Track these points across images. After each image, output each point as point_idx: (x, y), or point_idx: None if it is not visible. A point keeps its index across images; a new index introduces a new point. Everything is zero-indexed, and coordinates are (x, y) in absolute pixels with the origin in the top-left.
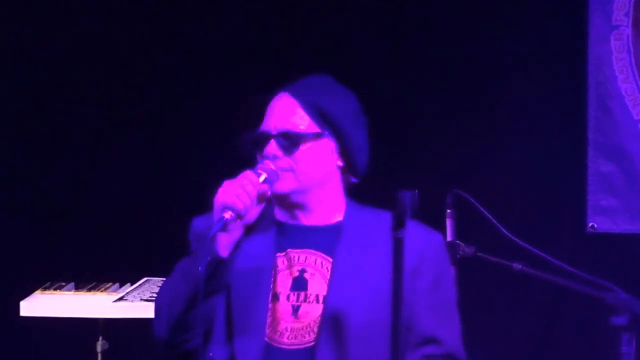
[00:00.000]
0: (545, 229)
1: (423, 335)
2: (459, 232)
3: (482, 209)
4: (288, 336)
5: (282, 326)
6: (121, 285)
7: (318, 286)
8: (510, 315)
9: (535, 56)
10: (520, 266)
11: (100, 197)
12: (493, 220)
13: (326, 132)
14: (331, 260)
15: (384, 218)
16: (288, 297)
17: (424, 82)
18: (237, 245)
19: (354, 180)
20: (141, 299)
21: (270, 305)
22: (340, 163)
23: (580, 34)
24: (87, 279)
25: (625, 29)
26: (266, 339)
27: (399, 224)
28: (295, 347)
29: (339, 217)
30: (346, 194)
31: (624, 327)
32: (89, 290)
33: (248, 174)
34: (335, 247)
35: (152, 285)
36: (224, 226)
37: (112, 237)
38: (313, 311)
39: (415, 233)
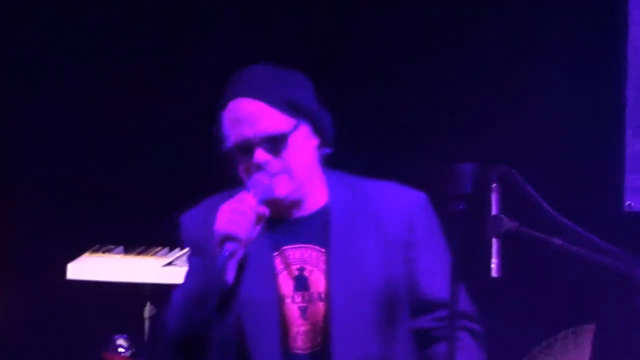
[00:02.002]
0: (582, 207)
1: (429, 300)
2: (503, 207)
3: (526, 185)
4: (302, 340)
5: (294, 330)
6: (171, 250)
7: (318, 282)
8: (548, 291)
9: (573, 37)
10: (560, 242)
11: (152, 159)
12: (536, 196)
13: (300, 120)
14: (324, 251)
15: (367, 189)
16: (293, 299)
17: (463, 59)
18: (242, 264)
19: (328, 151)
20: None
21: (278, 311)
22: (315, 142)
23: (620, 15)
24: (137, 243)
25: None
26: (281, 345)
27: (459, 197)
28: (312, 350)
29: (323, 199)
30: (323, 168)
31: None
32: (138, 254)
33: (244, 196)
34: (326, 235)
35: None
36: (230, 256)
37: (163, 200)
38: (319, 310)
39: (399, 196)
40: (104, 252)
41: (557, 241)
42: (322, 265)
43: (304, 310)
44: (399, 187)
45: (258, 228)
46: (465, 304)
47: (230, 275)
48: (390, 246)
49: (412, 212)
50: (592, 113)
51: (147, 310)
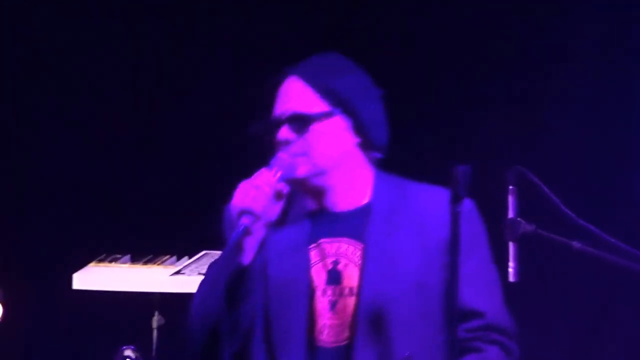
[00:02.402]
0: (601, 209)
1: (463, 308)
2: (520, 209)
3: (543, 187)
4: (328, 333)
5: (321, 323)
6: (179, 259)
7: (351, 277)
8: (567, 294)
9: (594, 40)
10: (579, 245)
11: (161, 167)
12: (554, 198)
13: (337, 110)
14: (362, 246)
15: (413, 192)
16: (324, 292)
17: (483, 64)
18: (270, 236)
19: (377, 155)
20: (199, 273)
21: (307, 303)
22: (357, 140)
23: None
24: (144, 252)
25: None
26: (306, 337)
27: (456, 199)
28: (337, 344)
29: (366, 198)
30: (373, 169)
31: None
32: (145, 263)
33: (264, 172)
34: (365, 232)
35: (211, 258)
36: (245, 232)
37: (171, 208)
38: (349, 305)
39: (445, 201)
40: (110, 261)
41: (577, 244)
42: (358, 260)
43: (333, 304)
44: (444, 191)
45: (278, 207)
46: (502, 317)
47: (247, 254)
48: (429, 251)
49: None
50: (612, 113)
51: (155, 320)
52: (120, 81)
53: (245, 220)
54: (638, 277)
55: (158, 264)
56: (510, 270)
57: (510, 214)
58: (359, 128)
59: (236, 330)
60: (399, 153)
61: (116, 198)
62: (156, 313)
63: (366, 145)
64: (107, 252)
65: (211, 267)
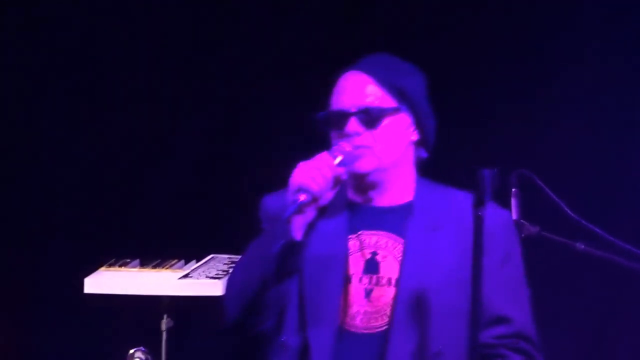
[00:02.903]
0: (605, 211)
1: (493, 314)
2: (523, 212)
3: (546, 189)
4: (361, 319)
5: (354, 309)
6: (186, 262)
7: (390, 269)
8: (572, 296)
9: (602, 44)
10: (583, 246)
11: (168, 172)
12: (558, 200)
13: (403, 107)
14: (402, 241)
15: (455, 196)
16: (360, 280)
17: (492, 68)
18: (310, 227)
19: (424, 154)
20: (207, 277)
21: (343, 289)
22: (415, 137)
23: None
24: (153, 256)
25: None
26: (339, 323)
27: (479, 202)
28: (369, 331)
29: (409, 196)
30: (417, 171)
31: None
32: (154, 267)
33: (324, 155)
34: (406, 228)
35: (218, 262)
36: (299, 208)
37: (179, 213)
38: (386, 294)
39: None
40: (120, 265)
41: (581, 245)
42: (398, 254)
43: (368, 292)
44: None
45: (333, 192)
46: (530, 328)
47: (296, 230)
48: (466, 252)
49: (493, 222)
50: (615, 116)
51: (164, 323)
52: (128, 88)
53: (302, 197)
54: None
55: (166, 268)
56: None
57: (514, 216)
58: (419, 125)
59: (275, 306)
60: None
61: (126, 204)
62: (165, 316)
63: (421, 142)
64: (117, 256)
65: (254, 245)
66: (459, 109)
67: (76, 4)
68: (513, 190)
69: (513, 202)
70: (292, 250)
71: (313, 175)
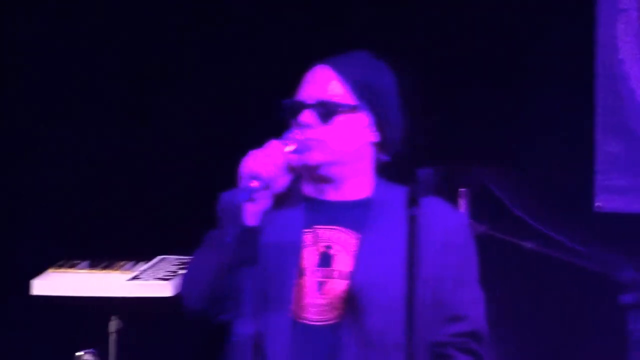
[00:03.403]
0: (552, 209)
1: (451, 312)
2: (472, 211)
3: (495, 189)
4: (313, 312)
5: (306, 302)
6: (136, 264)
7: (343, 262)
8: (520, 294)
9: (545, 38)
10: (531, 245)
11: (116, 174)
12: (505, 199)
13: (363, 106)
14: (357, 236)
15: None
16: (313, 273)
17: (434, 63)
18: (266, 215)
19: (385, 158)
20: (156, 278)
21: (296, 281)
22: (374, 139)
23: (589, 16)
24: (102, 257)
25: (633, 12)
26: (292, 314)
27: (413, 202)
28: (321, 323)
29: (366, 193)
30: (376, 172)
31: (632, 305)
32: (103, 268)
33: (274, 143)
34: (362, 223)
35: (167, 263)
36: (251, 195)
37: (128, 214)
38: (338, 287)
39: (441, 210)
40: (69, 267)
41: (528, 244)
42: (351, 249)
43: (321, 285)
44: (443, 203)
45: (287, 178)
46: (484, 328)
47: (250, 217)
48: (422, 249)
49: (451, 222)
50: (562, 115)
51: (113, 324)
52: (81, 90)
53: (253, 184)
54: (590, 275)
55: (116, 269)
56: None
57: None
58: (380, 127)
59: (234, 296)
60: None
61: (75, 205)
62: (114, 317)
63: (380, 145)
64: (66, 258)
65: (210, 235)
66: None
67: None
68: (461, 190)
69: (461, 201)
70: (247, 238)
71: (263, 162)
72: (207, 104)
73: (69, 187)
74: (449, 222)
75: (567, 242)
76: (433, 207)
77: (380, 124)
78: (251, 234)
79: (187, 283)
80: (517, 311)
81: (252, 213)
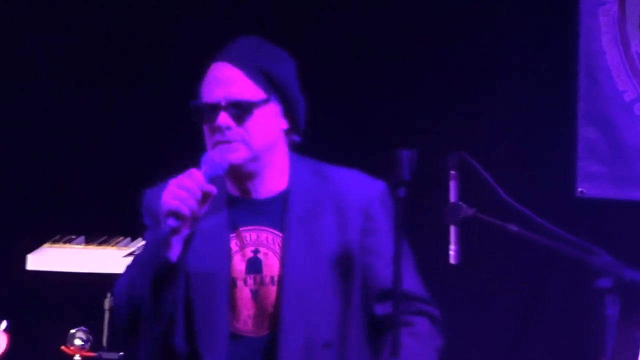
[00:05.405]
0: (536, 194)
1: (386, 289)
2: (461, 194)
3: (483, 172)
4: (252, 323)
5: (244, 314)
6: (132, 240)
7: (272, 266)
8: (504, 275)
9: (528, 28)
10: (516, 228)
11: (113, 149)
12: (493, 183)
13: (272, 96)
14: (281, 235)
15: (333, 177)
16: (245, 282)
17: (419, 51)
18: (189, 239)
19: (297, 138)
20: None
21: (228, 293)
22: (284, 126)
23: (573, 8)
24: (98, 233)
25: (612, 5)
26: (230, 327)
27: (398, 184)
28: (259, 334)
29: (284, 184)
30: (290, 154)
31: (609, 290)
32: (100, 244)
33: (193, 173)
34: (284, 220)
35: None
36: (172, 232)
37: (125, 190)
38: (271, 294)
39: (359, 184)
40: (64, 242)
41: (514, 228)
42: (277, 249)
43: (255, 293)
44: (359, 174)
45: (205, 207)
46: (420, 288)
47: (174, 251)
48: (347, 233)
49: (369, 200)
50: (545, 101)
51: (108, 302)
52: (63, 65)
53: (172, 223)
54: (567, 259)
55: (112, 245)
56: (452, 252)
57: (452, 198)
58: (289, 113)
59: (159, 316)
60: (341, 141)
61: (71, 179)
62: (109, 294)
63: (291, 129)
64: (62, 233)
65: (138, 257)
66: (394, 92)
67: None
68: (451, 172)
69: (451, 184)
70: (170, 272)
71: (182, 197)
72: None
73: (66, 161)
74: (363, 193)
75: (549, 226)
76: (349, 181)
77: (289, 109)
78: (174, 268)
79: (116, 300)
80: (498, 293)
81: (175, 244)
